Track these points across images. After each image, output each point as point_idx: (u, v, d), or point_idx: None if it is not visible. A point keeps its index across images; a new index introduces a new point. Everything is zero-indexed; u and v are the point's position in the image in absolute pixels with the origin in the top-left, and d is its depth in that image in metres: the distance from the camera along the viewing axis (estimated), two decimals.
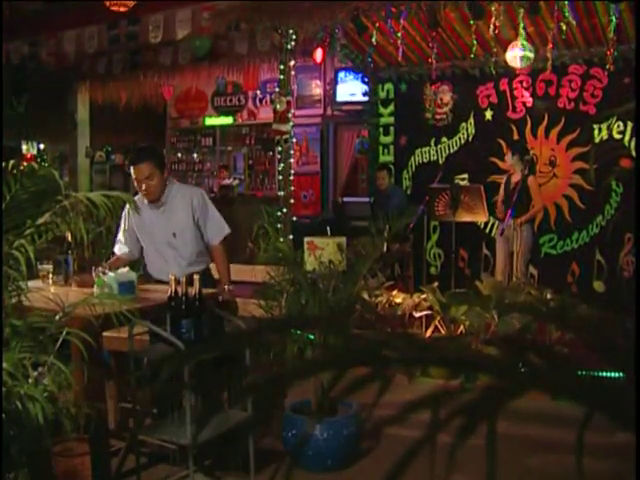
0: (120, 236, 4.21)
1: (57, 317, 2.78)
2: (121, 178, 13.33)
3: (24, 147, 11.49)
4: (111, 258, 4.26)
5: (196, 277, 3.32)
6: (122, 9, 7.61)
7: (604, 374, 3.96)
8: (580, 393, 0.77)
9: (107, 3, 7.50)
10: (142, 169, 3.93)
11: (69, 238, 3.90)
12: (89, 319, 2.90)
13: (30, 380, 2.58)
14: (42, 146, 11.84)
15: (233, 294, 4.11)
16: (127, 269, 3.87)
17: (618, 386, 0.77)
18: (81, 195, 2.81)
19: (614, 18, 5.96)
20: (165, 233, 4.04)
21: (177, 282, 3.26)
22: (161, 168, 4.02)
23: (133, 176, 3.98)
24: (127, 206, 4.08)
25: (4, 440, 2.45)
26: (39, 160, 11.37)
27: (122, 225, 4.18)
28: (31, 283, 3.01)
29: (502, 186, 6.88)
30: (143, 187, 3.95)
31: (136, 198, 4.15)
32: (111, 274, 3.64)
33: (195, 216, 4.04)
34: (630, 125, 6.88)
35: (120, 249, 4.21)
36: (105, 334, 3.39)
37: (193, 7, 7.90)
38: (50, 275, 3.99)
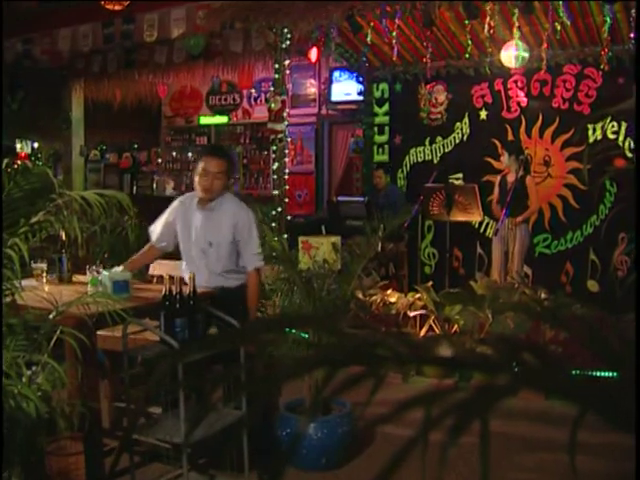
0: (158, 226, 4.12)
1: (51, 316, 2.77)
2: (115, 177, 13.32)
3: (18, 145, 11.47)
4: (145, 246, 4.21)
5: (191, 276, 3.32)
6: (117, 7, 7.59)
7: (597, 373, 3.97)
8: (573, 392, 0.77)
9: (102, 2, 7.48)
10: (220, 164, 3.85)
11: (63, 237, 3.89)
12: (83, 318, 2.89)
13: (24, 379, 2.58)
14: (36, 144, 11.81)
15: None
16: (121, 268, 3.87)
17: (611, 385, 0.78)
18: (75, 194, 2.81)
19: (608, 18, 5.98)
20: (203, 240, 3.94)
21: (171, 281, 3.25)
22: (230, 173, 3.98)
23: (202, 167, 3.84)
24: (179, 199, 4.09)
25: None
26: (33, 159, 11.35)
27: (165, 216, 4.10)
28: (25, 282, 3.00)
29: (497, 186, 6.89)
30: (209, 183, 3.83)
31: (187, 196, 4.12)
32: (105, 273, 3.63)
33: (235, 237, 3.92)
34: (624, 125, 6.89)
35: (156, 239, 4.13)
36: (99, 333, 3.39)
37: (188, 6, 7.90)
38: (44, 274, 3.99)
